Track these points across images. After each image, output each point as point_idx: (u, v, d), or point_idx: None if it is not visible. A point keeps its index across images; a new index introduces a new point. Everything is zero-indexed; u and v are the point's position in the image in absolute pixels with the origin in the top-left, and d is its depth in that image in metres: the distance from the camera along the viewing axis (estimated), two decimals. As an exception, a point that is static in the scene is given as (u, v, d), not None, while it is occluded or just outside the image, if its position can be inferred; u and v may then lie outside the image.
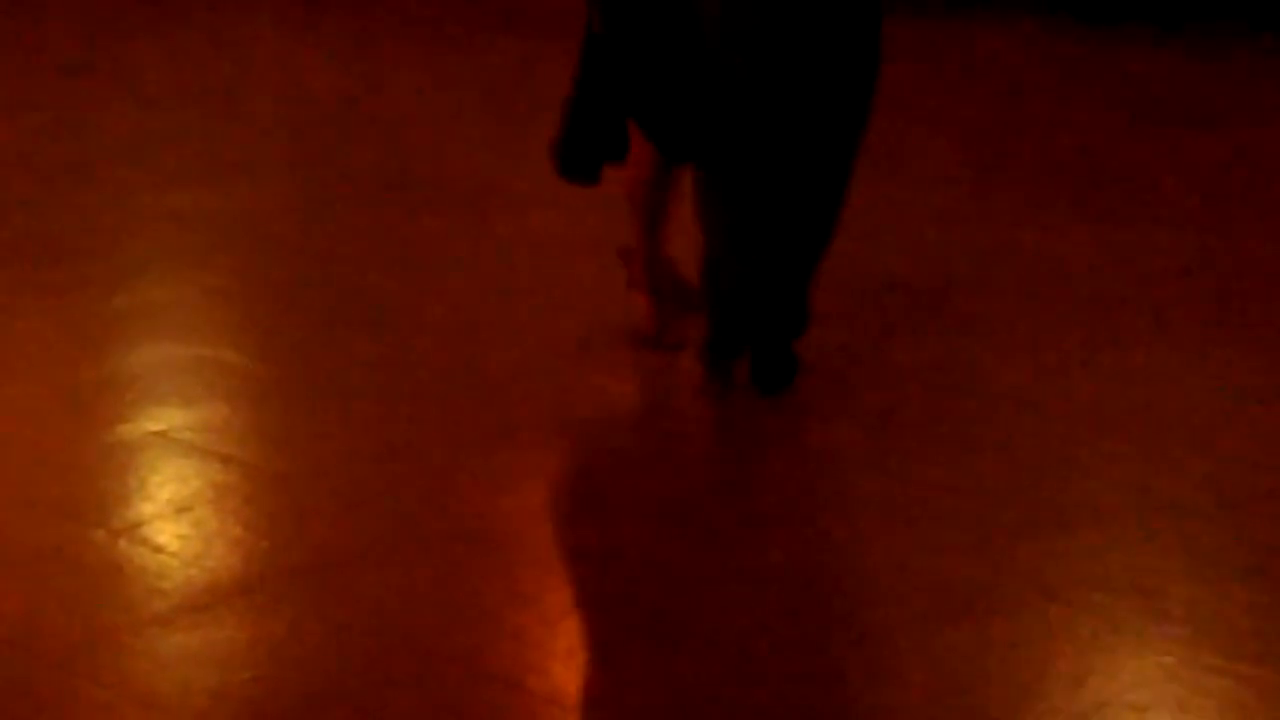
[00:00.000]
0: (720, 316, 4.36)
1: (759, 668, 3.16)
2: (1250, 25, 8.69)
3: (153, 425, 4.14)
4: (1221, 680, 3.08)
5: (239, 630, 3.28)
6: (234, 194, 6.05)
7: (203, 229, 5.68)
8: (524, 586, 3.54)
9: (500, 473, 4.04)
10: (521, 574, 3.60)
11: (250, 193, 6.08)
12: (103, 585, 3.45)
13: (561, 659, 3.28)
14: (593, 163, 4.70)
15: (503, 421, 4.32)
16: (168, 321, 4.86)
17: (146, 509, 3.74)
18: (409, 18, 9.20)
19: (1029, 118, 7.40)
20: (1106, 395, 4.42)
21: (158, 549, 3.56)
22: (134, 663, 3.18)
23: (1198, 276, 5.35)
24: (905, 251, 5.54)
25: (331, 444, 4.12)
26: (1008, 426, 4.24)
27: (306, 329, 4.83)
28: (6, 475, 3.91)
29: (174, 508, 3.73)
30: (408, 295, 5.09)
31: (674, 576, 3.52)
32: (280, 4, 9.78)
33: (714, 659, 3.19)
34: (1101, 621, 3.30)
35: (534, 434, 4.29)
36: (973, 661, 3.18)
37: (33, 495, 3.80)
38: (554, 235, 5.52)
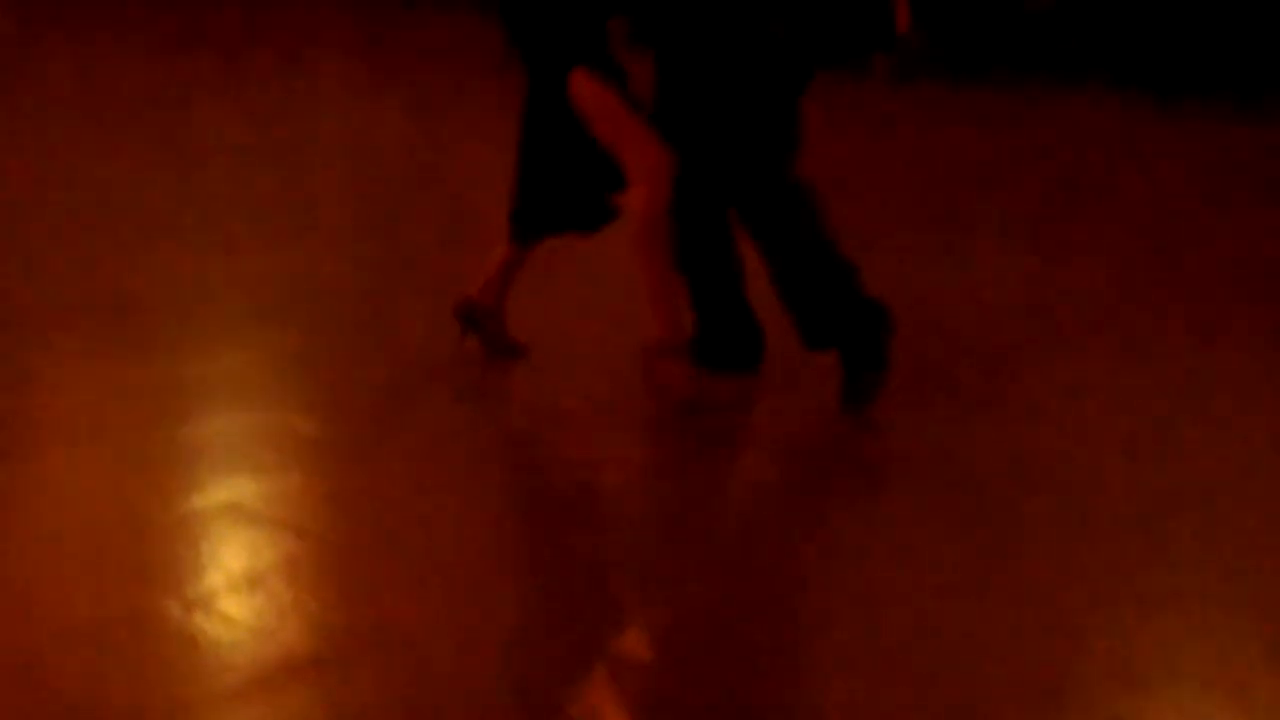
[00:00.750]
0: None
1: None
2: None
3: (225, 494, 4.13)
4: (1313, 780, 3.02)
5: (312, 705, 3.25)
6: (302, 257, 6.07)
7: (272, 293, 5.70)
8: (595, 652, 3.49)
9: (571, 545, 4.01)
10: (592, 639, 3.56)
11: (318, 255, 6.10)
12: (175, 657, 3.43)
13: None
14: (541, 224, 4.87)
15: (576, 488, 4.29)
16: (238, 387, 4.87)
17: (219, 580, 3.73)
18: (472, 83, 9.25)
19: (1104, 187, 7.36)
20: (1190, 471, 4.35)
21: (230, 621, 3.55)
22: (207, 738, 3.17)
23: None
24: (975, 314, 5.50)
25: (404, 514, 4.10)
26: (1086, 500, 4.18)
27: (376, 395, 4.83)
28: (78, 543, 3.90)
29: (246, 579, 3.72)
30: (475, 359, 5.08)
31: (761, 661, 3.48)
32: (349, 66, 9.88)
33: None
34: (1187, 716, 3.23)
35: (608, 504, 4.26)
36: (1056, 752, 3.12)
37: (104, 563, 3.80)
38: (618, 295, 5.51)
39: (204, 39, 10.96)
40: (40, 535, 3.92)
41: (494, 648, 3.47)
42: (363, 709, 3.24)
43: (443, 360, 5.06)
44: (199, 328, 5.32)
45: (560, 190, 4.79)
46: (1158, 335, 5.43)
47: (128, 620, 3.54)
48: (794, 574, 3.91)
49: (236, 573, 3.76)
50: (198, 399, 4.75)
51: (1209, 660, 3.43)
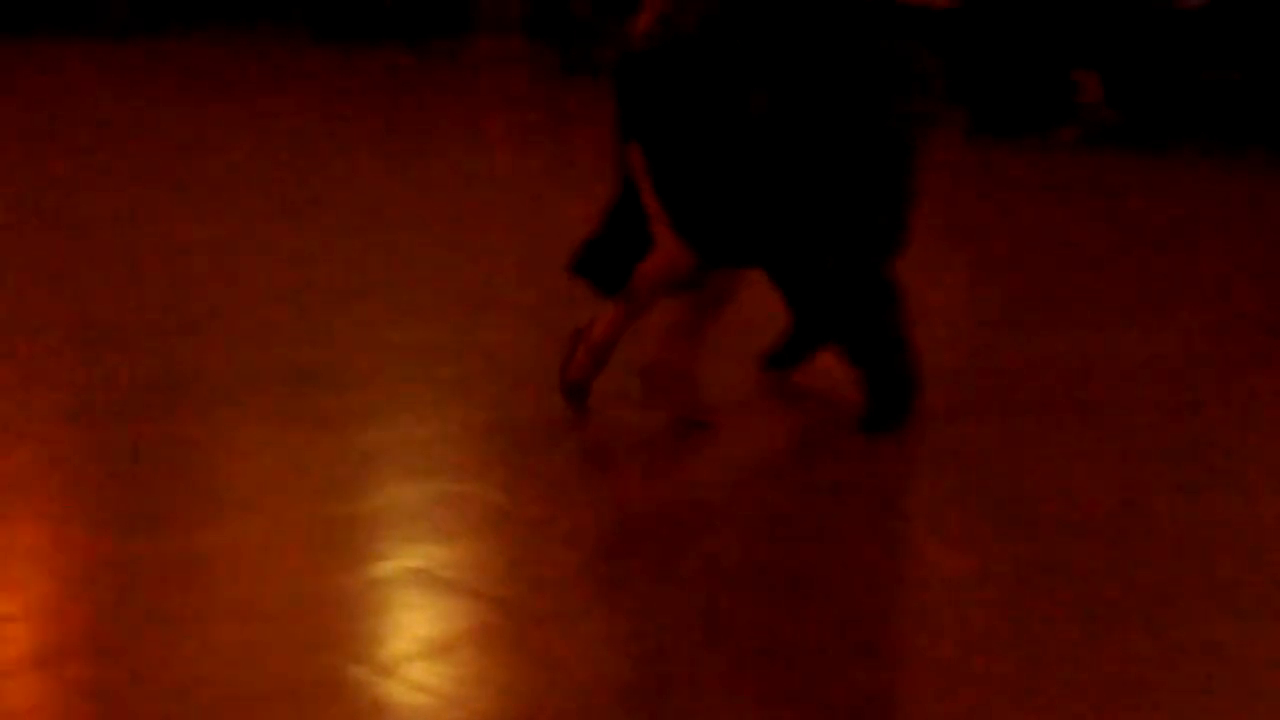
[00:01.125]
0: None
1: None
2: None
3: (411, 562, 4.09)
4: None
5: (504, 776, 3.20)
6: (480, 328, 6.07)
7: (451, 363, 5.69)
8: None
9: (763, 615, 3.92)
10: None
11: (496, 327, 6.10)
12: (365, 724, 3.40)
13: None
14: (610, 273, 5.06)
15: (768, 556, 4.21)
16: (421, 456, 4.85)
17: (408, 647, 3.69)
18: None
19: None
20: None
21: (420, 688, 3.50)
22: (399, 807, 3.12)
23: None
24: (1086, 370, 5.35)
25: (593, 584, 4.04)
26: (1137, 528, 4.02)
27: (561, 465, 4.79)
28: (267, 609, 3.88)
29: (436, 646, 3.68)
30: (660, 430, 5.02)
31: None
32: (528, 139, 9.96)
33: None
34: None
35: (800, 569, 4.17)
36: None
37: (293, 630, 3.77)
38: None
39: (383, 111, 11.12)
40: (230, 601, 3.91)
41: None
42: (557, 781, 3.18)
43: (627, 430, 5.01)
44: (378, 397, 5.32)
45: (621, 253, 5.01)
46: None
47: (318, 686, 3.51)
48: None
49: (426, 640, 3.72)
50: (381, 467, 4.74)
51: None
